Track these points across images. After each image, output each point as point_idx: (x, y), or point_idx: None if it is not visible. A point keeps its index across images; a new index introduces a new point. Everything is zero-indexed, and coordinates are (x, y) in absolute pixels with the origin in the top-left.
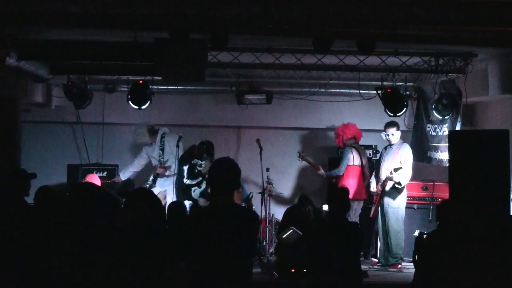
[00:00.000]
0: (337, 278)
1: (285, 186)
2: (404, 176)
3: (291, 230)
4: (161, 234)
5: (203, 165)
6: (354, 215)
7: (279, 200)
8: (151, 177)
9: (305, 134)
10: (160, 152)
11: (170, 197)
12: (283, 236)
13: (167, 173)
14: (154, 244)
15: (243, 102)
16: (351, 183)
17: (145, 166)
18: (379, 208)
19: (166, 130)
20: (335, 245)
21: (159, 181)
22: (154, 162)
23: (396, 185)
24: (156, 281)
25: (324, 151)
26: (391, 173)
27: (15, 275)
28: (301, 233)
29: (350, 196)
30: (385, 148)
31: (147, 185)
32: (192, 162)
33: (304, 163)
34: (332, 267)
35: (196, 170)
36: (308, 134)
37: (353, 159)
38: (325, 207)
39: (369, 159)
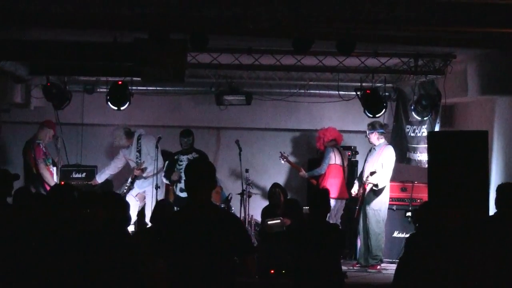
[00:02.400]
0: (317, 279)
1: (265, 187)
2: (382, 179)
3: (279, 221)
4: (136, 234)
5: (183, 162)
6: (335, 215)
7: (258, 201)
8: (129, 179)
9: (284, 135)
10: (137, 154)
11: (149, 198)
12: (269, 222)
13: (144, 174)
14: (128, 243)
15: (222, 103)
16: (333, 182)
17: (123, 168)
18: (361, 210)
19: (142, 131)
20: (315, 246)
21: (137, 182)
22: (132, 164)
23: (374, 188)
24: (133, 279)
25: (303, 152)
26: (367, 177)
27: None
28: (284, 228)
29: (334, 195)
30: (370, 150)
31: (126, 187)
32: (175, 157)
33: (284, 164)
34: (312, 268)
35: (177, 167)
36: (288, 135)
37: (335, 158)
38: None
39: (349, 160)
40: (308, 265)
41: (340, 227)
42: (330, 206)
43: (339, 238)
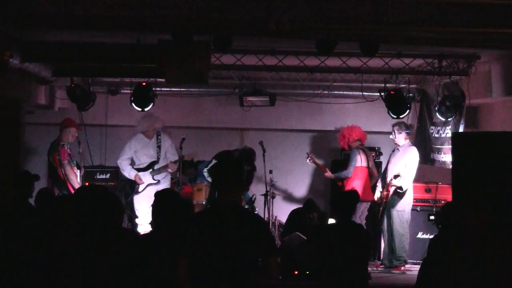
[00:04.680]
0: (342, 281)
1: (288, 188)
2: (406, 181)
3: (295, 234)
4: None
5: None
6: (360, 217)
7: (282, 202)
8: (151, 175)
9: (308, 136)
10: (158, 149)
11: None
12: (285, 239)
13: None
14: (158, 242)
15: (246, 104)
16: (358, 184)
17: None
18: (385, 211)
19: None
20: (340, 248)
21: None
22: (144, 160)
23: (398, 190)
24: (159, 277)
25: (327, 153)
26: (391, 180)
27: (17, 276)
28: (305, 238)
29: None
30: (393, 150)
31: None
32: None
33: (307, 164)
34: (337, 270)
35: None
36: (311, 136)
37: (361, 160)
38: (331, 221)
39: (373, 161)
40: (333, 266)
41: (365, 228)
42: (355, 208)
43: (365, 239)
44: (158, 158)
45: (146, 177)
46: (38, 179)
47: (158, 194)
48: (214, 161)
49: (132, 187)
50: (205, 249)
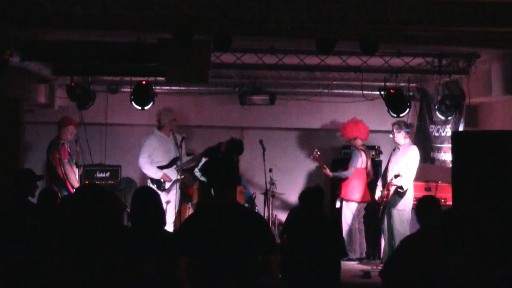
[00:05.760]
0: (307, 275)
1: (288, 186)
2: (406, 180)
3: None
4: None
5: None
6: (358, 216)
7: (282, 201)
8: (175, 170)
9: (308, 134)
10: (176, 146)
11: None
12: (284, 237)
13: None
14: (156, 241)
15: (246, 103)
16: (357, 185)
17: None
18: (385, 210)
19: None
20: (304, 242)
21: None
22: (159, 158)
23: (399, 189)
24: (158, 276)
25: (327, 152)
26: (392, 179)
27: (16, 275)
28: None
29: (357, 199)
30: (394, 149)
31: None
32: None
33: (308, 163)
34: (299, 265)
35: None
36: (311, 134)
37: (362, 162)
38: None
39: (372, 160)
40: (297, 260)
41: (331, 222)
42: (319, 202)
43: (330, 231)
44: (180, 154)
45: (169, 174)
46: (41, 179)
47: (139, 192)
48: (204, 159)
49: (158, 186)
50: (205, 248)
